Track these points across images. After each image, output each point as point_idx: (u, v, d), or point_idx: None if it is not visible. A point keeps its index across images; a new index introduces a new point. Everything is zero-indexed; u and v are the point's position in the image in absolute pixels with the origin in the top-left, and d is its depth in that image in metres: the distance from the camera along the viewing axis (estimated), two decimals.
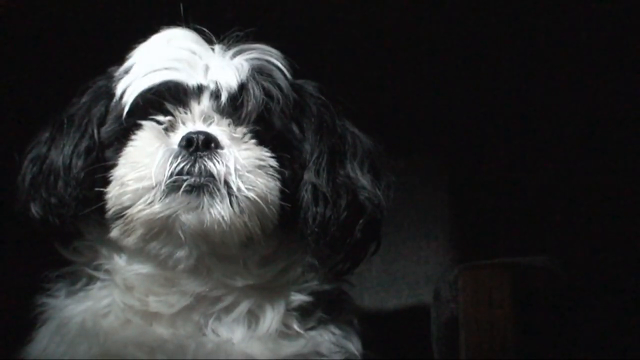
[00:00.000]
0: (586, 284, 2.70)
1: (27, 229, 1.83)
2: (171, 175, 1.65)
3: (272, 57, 1.80)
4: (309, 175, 1.75)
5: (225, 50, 1.79)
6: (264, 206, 1.67)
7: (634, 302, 2.89)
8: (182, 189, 1.64)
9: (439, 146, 3.09)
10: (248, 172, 1.67)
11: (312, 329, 1.79)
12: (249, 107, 1.73)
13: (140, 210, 1.66)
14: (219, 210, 1.64)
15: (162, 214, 1.65)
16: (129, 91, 1.74)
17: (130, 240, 1.70)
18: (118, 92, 1.76)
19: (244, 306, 1.75)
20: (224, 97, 1.73)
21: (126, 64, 1.80)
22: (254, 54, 1.79)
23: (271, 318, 1.75)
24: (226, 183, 1.65)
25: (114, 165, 1.72)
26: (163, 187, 1.65)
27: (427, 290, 2.56)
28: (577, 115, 3.13)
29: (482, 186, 3.11)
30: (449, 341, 2.23)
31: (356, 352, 1.82)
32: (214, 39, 1.83)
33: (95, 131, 1.77)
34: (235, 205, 1.65)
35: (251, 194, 1.65)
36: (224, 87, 1.73)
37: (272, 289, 1.77)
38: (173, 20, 1.83)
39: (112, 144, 1.76)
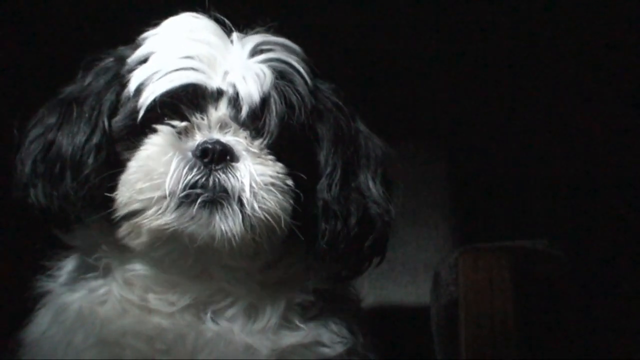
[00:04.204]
0: (586, 266, 2.70)
1: (27, 211, 1.79)
2: (185, 188, 1.61)
3: (293, 59, 1.72)
4: (320, 190, 1.70)
5: (244, 46, 1.71)
6: (275, 226, 1.62)
7: (634, 285, 2.89)
8: (196, 205, 1.60)
9: (438, 133, 3.09)
10: (262, 189, 1.62)
11: (313, 318, 1.76)
12: (271, 124, 1.66)
13: (150, 220, 1.62)
14: (231, 228, 1.60)
15: (172, 227, 1.61)
16: (146, 93, 1.66)
17: (135, 243, 1.67)
18: (132, 85, 1.68)
19: (244, 303, 1.73)
20: (244, 112, 1.66)
21: (140, 52, 1.72)
22: (275, 54, 1.71)
23: (270, 314, 1.73)
24: (239, 199, 1.61)
25: (125, 162, 1.67)
26: (176, 199, 1.61)
27: (427, 277, 2.56)
28: (577, 101, 3.14)
29: (481, 174, 3.11)
30: (449, 324, 2.23)
31: (358, 342, 1.80)
32: (232, 28, 1.75)
33: (106, 122, 1.70)
34: (247, 222, 1.61)
35: (264, 214, 1.61)
36: (245, 100, 1.66)
37: (273, 287, 1.75)
38: (188, 2, 1.78)
39: (123, 139, 1.70)
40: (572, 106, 3.15)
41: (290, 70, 1.70)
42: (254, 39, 1.73)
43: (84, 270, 1.79)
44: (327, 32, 3.01)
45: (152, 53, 1.71)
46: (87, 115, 1.71)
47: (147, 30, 1.76)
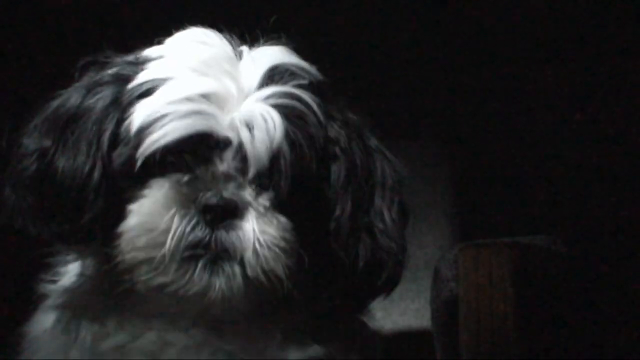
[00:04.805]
0: (587, 262, 2.70)
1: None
2: (186, 248, 1.54)
3: (307, 93, 1.59)
4: (327, 236, 1.60)
5: (256, 64, 1.59)
6: (277, 287, 1.55)
7: (636, 282, 2.89)
8: (198, 267, 1.54)
9: (440, 131, 3.10)
10: (266, 250, 1.54)
11: (319, 333, 1.67)
12: (280, 182, 1.56)
13: (149, 277, 1.56)
14: (231, 289, 1.54)
15: (171, 287, 1.55)
16: (148, 142, 1.55)
17: (134, 288, 1.60)
18: (133, 124, 1.58)
19: (244, 331, 1.68)
20: (251, 174, 1.56)
21: (143, 78, 1.60)
22: (287, 87, 1.58)
23: (273, 336, 1.68)
24: (241, 260, 1.54)
25: (126, 202, 1.58)
26: (177, 259, 1.54)
27: (427, 275, 2.55)
28: (577, 98, 3.15)
29: (482, 170, 3.11)
30: (448, 320, 2.22)
31: (368, 353, 1.76)
32: (240, 43, 1.64)
33: (106, 157, 1.60)
34: (247, 284, 1.54)
35: (265, 276, 1.54)
36: (253, 163, 1.55)
37: (274, 312, 1.70)
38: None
39: (122, 177, 1.59)
40: (572, 103, 3.15)
41: (303, 108, 1.59)
42: (264, 62, 1.62)
43: (84, 280, 1.74)
44: (327, 31, 3.02)
45: (155, 84, 1.60)
46: (85, 149, 1.61)
47: (150, 45, 1.66)
